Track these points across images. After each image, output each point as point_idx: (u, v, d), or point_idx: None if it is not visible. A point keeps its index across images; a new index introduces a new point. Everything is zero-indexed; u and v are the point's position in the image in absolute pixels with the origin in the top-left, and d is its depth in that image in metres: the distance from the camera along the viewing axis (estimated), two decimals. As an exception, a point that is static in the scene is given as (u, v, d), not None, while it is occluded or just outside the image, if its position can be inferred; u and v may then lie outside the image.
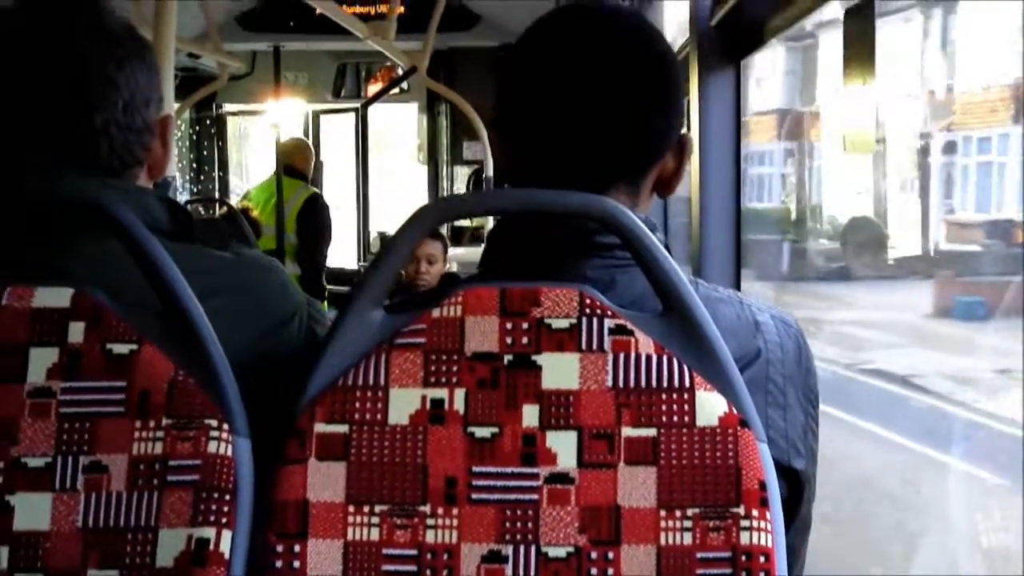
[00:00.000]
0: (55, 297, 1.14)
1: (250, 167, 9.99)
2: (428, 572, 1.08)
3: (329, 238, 6.51)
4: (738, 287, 2.35)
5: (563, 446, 1.08)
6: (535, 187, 1.17)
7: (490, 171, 6.61)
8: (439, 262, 4.54)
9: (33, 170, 1.26)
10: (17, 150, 1.27)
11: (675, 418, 1.08)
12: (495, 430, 1.09)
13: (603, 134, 1.20)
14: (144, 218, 1.19)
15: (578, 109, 1.19)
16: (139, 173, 1.33)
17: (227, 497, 1.10)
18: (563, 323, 1.10)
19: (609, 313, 1.10)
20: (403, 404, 1.10)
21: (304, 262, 6.26)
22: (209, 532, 1.09)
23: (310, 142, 7.81)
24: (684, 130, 1.26)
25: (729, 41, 2.37)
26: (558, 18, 1.25)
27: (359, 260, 7.91)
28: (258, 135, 9.60)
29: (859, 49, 1.68)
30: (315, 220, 6.34)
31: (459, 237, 7.21)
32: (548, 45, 1.23)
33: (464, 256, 6.20)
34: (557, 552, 1.08)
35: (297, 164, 6.43)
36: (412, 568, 1.08)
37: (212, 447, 1.11)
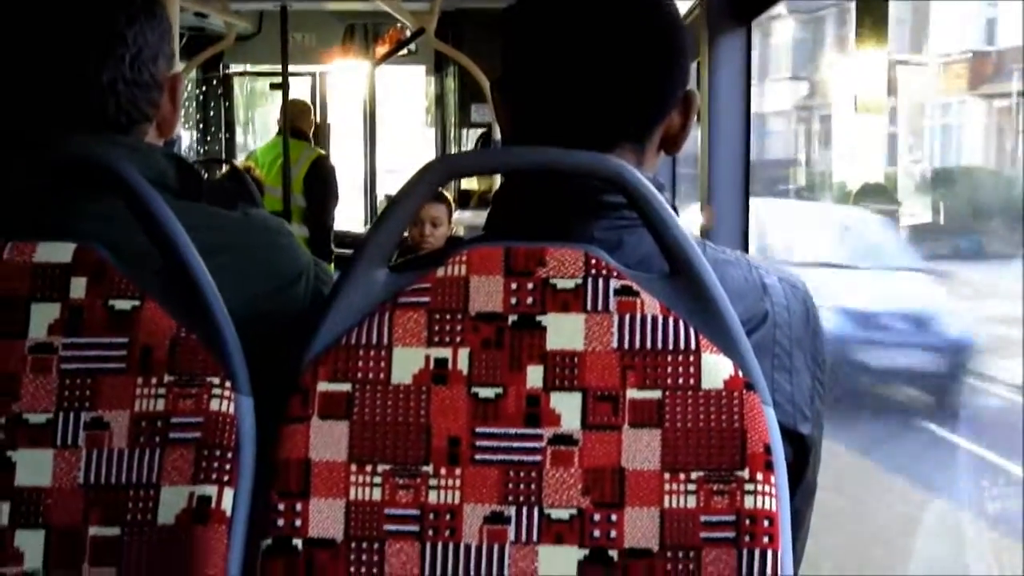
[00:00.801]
0: (57, 252, 1.14)
1: (258, 128, 9.97)
2: (430, 532, 1.07)
3: (336, 200, 6.51)
4: (746, 249, 2.34)
5: (567, 407, 1.08)
6: (538, 145, 1.16)
7: (498, 134, 6.54)
8: (444, 225, 4.52)
9: (39, 127, 1.26)
10: (24, 107, 1.27)
11: (680, 380, 1.07)
12: (499, 390, 1.08)
13: (607, 92, 1.18)
14: (150, 175, 1.18)
15: (582, 66, 1.18)
16: (147, 129, 1.32)
17: (229, 455, 1.10)
18: (568, 283, 1.09)
19: (615, 274, 1.09)
20: (406, 363, 1.09)
21: (311, 224, 6.26)
22: (211, 490, 1.09)
23: (318, 103, 7.82)
24: (690, 87, 1.24)
25: (739, 2, 2.35)
26: None
27: (366, 223, 7.89)
28: (266, 95, 9.57)
29: (872, 15, 1.67)
30: (322, 182, 6.34)
31: (466, 200, 7.18)
32: (551, 2, 1.21)
33: (471, 220, 6.18)
34: (560, 514, 1.07)
35: (301, 126, 6.43)
36: (414, 528, 1.08)
37: (214, 405, 1.11)
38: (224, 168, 6.62)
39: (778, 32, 14.27)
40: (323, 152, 6.73)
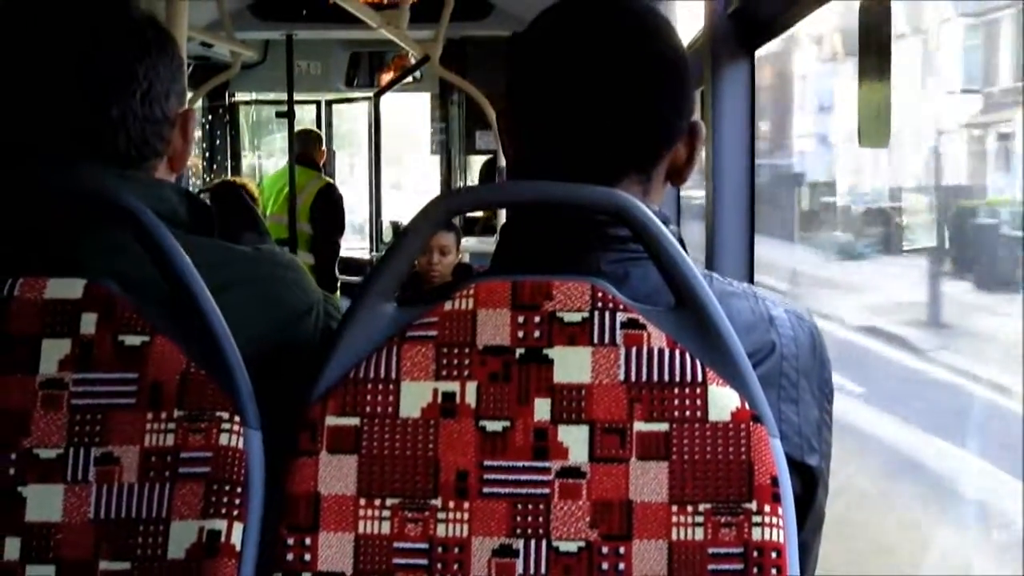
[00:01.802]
0: (67, 288, 1.14)
1: (263, 155, 9.99)
2: (439, 566, 1.08)
3: (342, 228, 6.55)
4: (751, 280, 2.34)
5: (575, 440, 1.08)
6: (544, 177, 1.17)
7: (503, 161, 6.57)
8: (452, 253, 4.54)
9: (49, 161, 1.26)
10: (34, 140, 1.27)
11: (687, 413, 1.08)
12: (507, 424, 1.09)
13: (613, 124, 1.19)
14: (160, 209, 1.18)
15: (587, 98, 1.19)
16: (158, 165, 1.33)
17: (238, 489, 1.10)
18: (575, 316, 1.09)
19: (621, 307, 1.09)
20: (414, 397, 1.09)
21: (317, 251, 6.28)
22: (220, 524, 1.09)
23: (323, 132, 7.86)
24: (695, 118, 1.25)
25: (744, 31, 2.36)
26: (567, 7, 1.24)
27: (371, 249, 7.91)
28: (272, 123, 9.60)
29: (875, 44, 1.68)
30: (329, 210, 6.38)
31: (471, 227, 7.19)
32: (557, 34, 1.23)
33: (476, 247, 6.19)
34: (568, 547, 1.07)
35: (312, 154, 6.47)
36: (423, 561, 1.08)
37: (224, 439, 1.11)
38: (217, 180, 6.67)
39: (942, 37, 13.24)
40: (330, 180, 6.76)
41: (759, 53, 2.40)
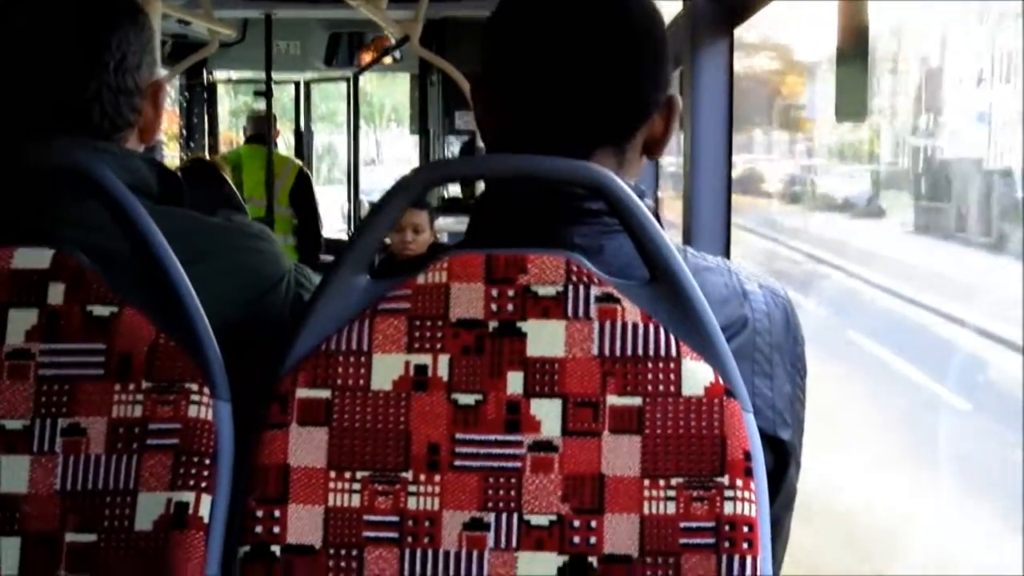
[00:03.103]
0: (35, 258, 1.13)
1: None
2: (409, 539, 1.07)
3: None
4: (728, 255, 2.34)
5: (547, 414, 1.08)
6: (519, 150, 1.16)
7: (482, 142, 6.52)
8: (426, 231, 4.51)
9: (21, 133, 1.25)
10: (7, 113, 1.27)
11: (661, 387, 1.07)
12: (479, 397, 1.08)
13: (587, 95, 1.18)
14: (129, 180, 1.17)
15: (561, 70, 1.18)
16: (129, 136, 1.33)
17: (207, 461, 1.09)
18: (549, 290, 1.08)
19: (596, 281, 1.09)
20: (386, 370, 1.09)
21: (304, 234, 6.33)
22: (189, 496, 1.08)
23: (303, 110, 7.89)
24: (672, 91, 1.24)
25: (723, 10, 2.35)
26: None
27: (349, 230, 7.90)
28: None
29: (854, 22, 1.68)
30: (308, 193, 6.45)
31: (453, 207, 7.18)
32: (531, 6, 1.21)
33: (454, 226, 6.18)
34: (540, 520, 1.07)
35: (265, 133, 6.53)
36: (393, 535, 1.07)
37: (192, 411, 1.10)
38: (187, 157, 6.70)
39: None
40: (301, 163, 6.84)
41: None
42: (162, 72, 1.40)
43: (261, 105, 6.97)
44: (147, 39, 1.33)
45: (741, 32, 2.43)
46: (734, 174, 2.38)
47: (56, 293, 1.12)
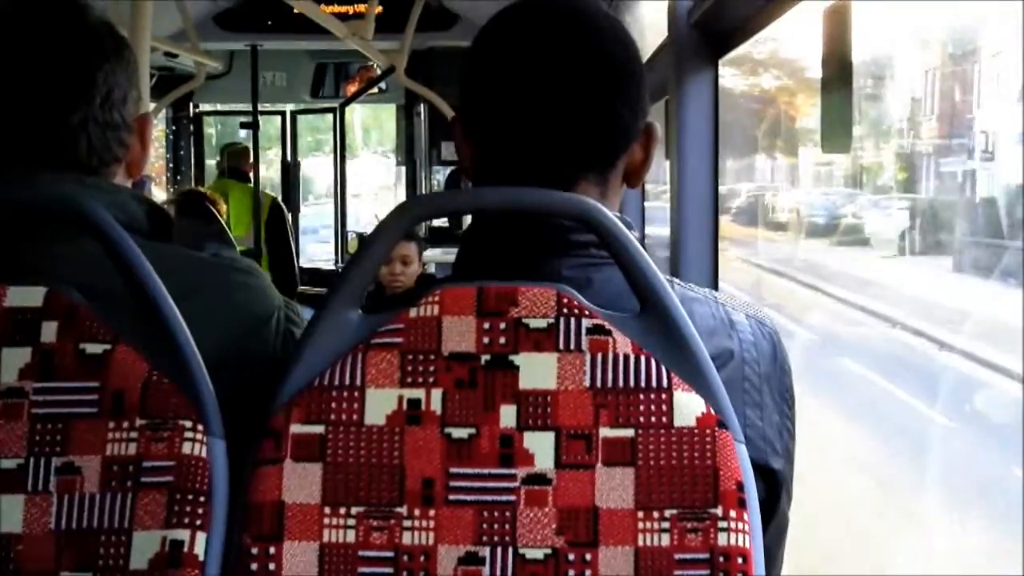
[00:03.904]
0: (28, 296, 1.13)
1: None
2: (405, 574, 1.07)
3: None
4: (715, 287, 2.35)
5: (541, 447, 1.08)
6: (502, 182, 1.17)
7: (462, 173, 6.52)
8: (414, 263, 4.53)
9: (8, 168, 1.25)
10: None
11: (653, 419, 1.08)
12: (472, 431, 1.08)
13: (568, 127, 1.19)
14: (119, 216, 1.18)
15: (541, 101, 1.19)
16: (117, 171, 1.33)
17: (202, 499, 1.09)
18: (540, 323, 1.09)
19: (586, 313, 1.09)
20: (379, 404, 1.09)
21: (278, 265, 6.36)
22: (183, 534, 1.08)
23: (288, 142, 7.91)
24: (649, 119, 1.25)
25: (707, 40, 2.37)
26: (519, 10, 1.24)
27: (337, 261, 7.89)
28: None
29: (837, 51, 1.69)
30: (283, 225, 6.50)
31: (439, 238, 7.19)
32: (510, 37, 1.22)
33: (442, 257, 6.19)
34: (534, 554, 1.07)
35: (244, 168, 6.58)
36: (389, 570, 1.07)
37: (187, 448, 1.10)
38: (179, 191, 6.74)
39: None
40: (275, 196, 6.91)
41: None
42: (150, 105, 1.40)
43: (242, 135, 7.06)
44: (132, 72, 1.33)
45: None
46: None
47: (49, 331, 1.12)
